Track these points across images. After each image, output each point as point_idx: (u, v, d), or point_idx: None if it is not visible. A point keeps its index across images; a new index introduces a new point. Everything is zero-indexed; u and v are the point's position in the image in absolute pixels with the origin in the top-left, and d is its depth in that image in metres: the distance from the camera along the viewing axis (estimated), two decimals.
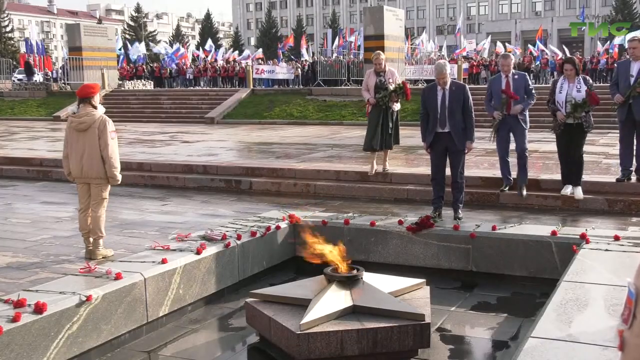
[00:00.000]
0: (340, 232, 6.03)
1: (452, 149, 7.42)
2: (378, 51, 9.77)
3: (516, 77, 7.97)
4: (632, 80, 8.00)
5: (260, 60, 38.66)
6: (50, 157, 12.59)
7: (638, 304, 1.17)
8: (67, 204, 8.87)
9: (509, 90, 7.84)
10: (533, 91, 8.03)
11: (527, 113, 8.07)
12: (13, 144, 16.21)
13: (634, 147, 8.30)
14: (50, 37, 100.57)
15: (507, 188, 8.34)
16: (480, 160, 10.62)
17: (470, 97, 7.45)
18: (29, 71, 34.05)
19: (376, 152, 9.62)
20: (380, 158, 9.80)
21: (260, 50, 44.96)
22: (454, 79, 16.44)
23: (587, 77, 8.01)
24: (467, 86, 7.84)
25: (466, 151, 7.29)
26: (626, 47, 11.76)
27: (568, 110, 7.67)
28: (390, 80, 9.15)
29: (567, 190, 8.08)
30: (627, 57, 8.76)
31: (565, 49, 35.26)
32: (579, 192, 8.04)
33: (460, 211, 7.51)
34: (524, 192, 8.21)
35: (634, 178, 8.33)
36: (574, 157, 7.97)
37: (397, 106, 9.44)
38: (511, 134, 8.09)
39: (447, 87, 7.41)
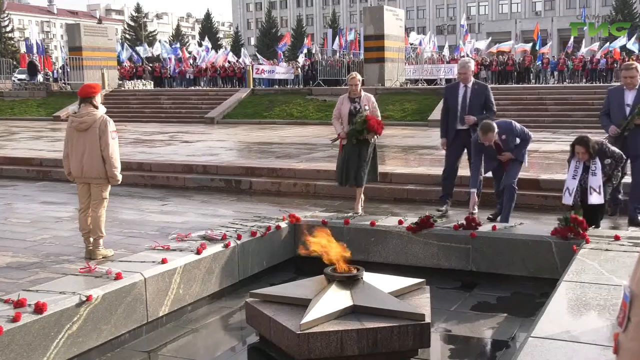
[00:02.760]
0: (340, 232, 6.02)
1: (469, 146, 7.60)
2: (354, 72, 8.23)
3: (503, 137, 6.88)
4: (628, 110, 7.01)
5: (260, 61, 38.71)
6: (50, 157, 12.58)
7: (633, 307, 1.17)
8: (67, 204, 8.87)
9: (503, 161, 6.90)
10: (527, 134, 7.01)
11: (525, 151, 7.12)
12: (13, 144, 16.21)
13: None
14: (50, 37, 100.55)
15: (498, 218, 7.10)
16: None
17: (492, 97, 7.65)
18: (32, 71, 34.03)
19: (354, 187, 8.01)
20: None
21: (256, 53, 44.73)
22: (453, 78, 16.45)
23: (606, 151, 6.33)
24: (490, 87, 7.98)
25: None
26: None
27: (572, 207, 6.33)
28: (366, 107, 7.70)
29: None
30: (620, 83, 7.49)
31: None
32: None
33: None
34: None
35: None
36: (592, 206, 6.53)
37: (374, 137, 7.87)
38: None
39: (470, 84, 7.59)
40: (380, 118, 7.73)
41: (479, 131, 6.81)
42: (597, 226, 6.56)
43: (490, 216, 7.15)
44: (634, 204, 7.32)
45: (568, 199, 6.36)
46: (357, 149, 7.70)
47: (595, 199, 6.27)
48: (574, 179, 6.30)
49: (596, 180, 6.23)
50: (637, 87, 7.06)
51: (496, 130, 6.74)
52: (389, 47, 25.00)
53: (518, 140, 6.93)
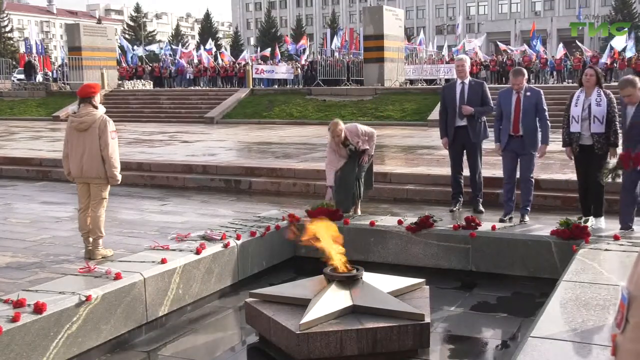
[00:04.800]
0: (340, 232, 6.02)
1: (468, 144, 7.69)
2: (335, 121, 7.02)
3: (528, 94, 7.12)
4: None
5: (261, 60, 38.68)
6: (50, 157, 12.58)
7: (630, 308, 1.17)
8: (67, 204, 8.87)
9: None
10: (546, 112, 7.16)
11: (539, 137, 7.21)
12: (13, 144, 16.20)
13: None
14: (50, 37, 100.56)
15: (507, 218, 7.12)
16: None
17: (489, 93, 7.74)
18: (30, 71, 33.97)
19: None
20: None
21: (269, 49, 44.51)
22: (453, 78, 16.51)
23: (610, 93, 6.60)
24: (486, 83, 8.11)
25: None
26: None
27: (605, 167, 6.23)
28: (359, 143, 6.97)
29: (590, 223, 6.06)
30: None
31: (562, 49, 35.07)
32: (600, 224, 6.60)
33: (480, 205, 7.84)
34: (527, 218, 7.12)
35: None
36: (592, 185, 6.70)
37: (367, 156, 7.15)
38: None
39: (467, 81, 7.72)
40: (374, 138, 7.15)
41: (511, 73, 7.36)
42: (600, 215, 6.63)
43: (502, 218, 7.09)
44: None
45: (576, 127, 6.63)
46: (354, 170, 7.13)
47: (597, 127, 6.51)
48: (577, 106, 6.60)
49: (600, 110, 6.44)
50: None
51: (526, 75, 7.23)
52: (389, 47, 25.00)
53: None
